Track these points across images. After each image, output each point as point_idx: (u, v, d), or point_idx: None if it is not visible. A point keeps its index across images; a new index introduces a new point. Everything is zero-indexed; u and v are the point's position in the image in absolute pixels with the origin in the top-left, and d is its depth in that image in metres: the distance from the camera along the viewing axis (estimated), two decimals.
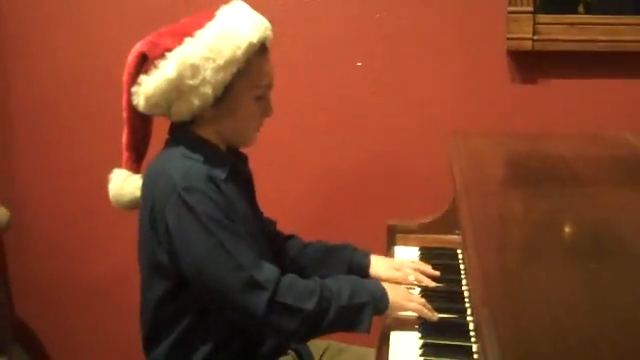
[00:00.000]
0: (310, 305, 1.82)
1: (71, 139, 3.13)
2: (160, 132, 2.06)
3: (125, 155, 2.03)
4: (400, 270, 2.14)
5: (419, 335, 1.88)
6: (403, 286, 2.06)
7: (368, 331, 1.89)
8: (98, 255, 3.22)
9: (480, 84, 2.91)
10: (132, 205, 2.02)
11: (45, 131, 3.14)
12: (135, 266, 2.07)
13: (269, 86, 1.96)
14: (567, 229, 1.83)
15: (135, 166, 2.04)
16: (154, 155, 2.01)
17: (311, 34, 2.96)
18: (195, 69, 1.84)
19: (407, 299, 1.94)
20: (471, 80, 2.92)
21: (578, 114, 2.86)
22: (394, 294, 1.94)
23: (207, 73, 1.84)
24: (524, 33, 2.84)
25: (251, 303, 1.79)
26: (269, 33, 1.94)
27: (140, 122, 1.99)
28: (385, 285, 1.97)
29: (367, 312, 1.88)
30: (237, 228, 1.86)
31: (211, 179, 1.84)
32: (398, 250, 2.41)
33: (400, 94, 2.97)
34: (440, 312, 1.95)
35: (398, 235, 2.48)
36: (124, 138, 2.02)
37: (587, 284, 1.47)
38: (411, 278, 2.11)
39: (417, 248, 2.42)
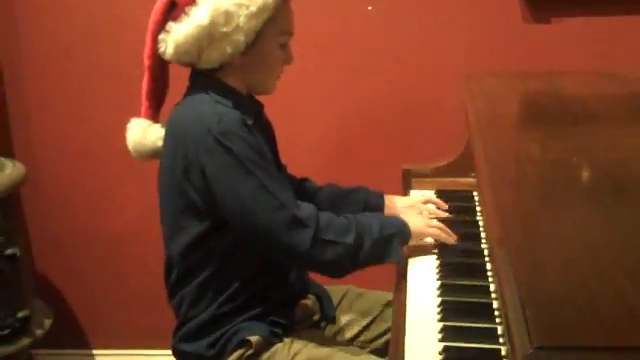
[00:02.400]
0: (349, 239, 1.87)
1: (83, 93, 3.13)
2: (173, 82, 2.06)
3: (145, 104, 2.03)
4: (415, 207, 2.21)
5: (436, 277, 1.90)
6: (416, 210, 2.16)
7: (399, 260, 1.97)
8: (115, 207, 3.24)
9: (492, 25, 2.88)
10: (153, 154, 2.03)
11: (58, 86, 3.13)
12: (151, 217, 2.09)
13: (292, 34, 1.98)
14: (584, 169, 1.82)
15: (155, 115, 2.04)
16: (170, 104, 2.01)
17: None
18: (229, 16, 1.84)
19: (427, 224, 2.04)
20: (483, 21, 2.89)
21: (593, 52, 2.83)
22: (414, 223, 2.02)
23: (240, 20, 1.85)
24: None
25: (296, 241, 1.84)
26: None
27: (161, 70, 1.99)
28: (403, 214, 2.06)
29: (395, 242, 1.95)
30: (273, 169, 1.91)
31: (244, 123, 1.86)
32: (413, 193, 2.43)
33: (411, 38, 2.94)
34: (457, 253, 1.99)
35: (413, 179, 2.49)
36: (144, 86, 2.02)
37: (604, 222, 1.46)
38: (426, 213, 2.19)
39: (433, 191, 2.43)
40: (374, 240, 1.92)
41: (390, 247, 1.94)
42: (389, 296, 2.06)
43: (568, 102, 2.33)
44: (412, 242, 2.02)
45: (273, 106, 2.15)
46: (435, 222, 2.07)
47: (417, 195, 2.34)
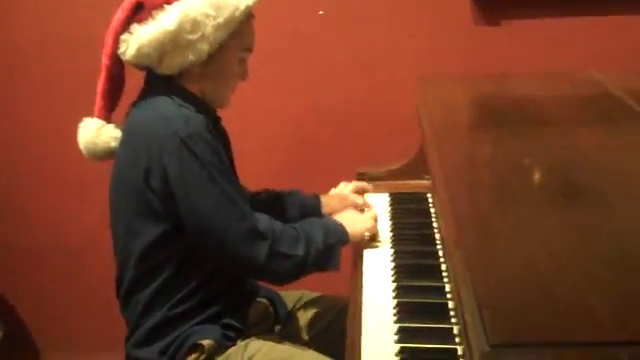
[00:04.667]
0: (300, 251, 1.91)
1: (34, 102, 3.09)
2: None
3: (99, 104, 2.00)
4: (347, 199, 2.30)
5: (392, 279, 1.90)
6: (351, 210, 2.21)
7: (339, 267, 1.99)
8: (68, 218, 3.19)
9: (445, 28, 2.89)
10: (106, 155, 2.01)
11: (8, 95, 3.10)
12: (104, 229, 2.05)
13: (252, 51, 2.01)
14: (538, 170, 1.84)
15: (108, 115, 2.02)
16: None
17: None
18: (196, 24, 1.85)
19: (360, 224, 2.09)
20: (435, 24, 2.90)
21: (543, 53, 2.85)
22: (350, 224, 2.06)
23: (207, 29, 1.86)
24: None
25: (253, 253, 1.86)
26: None
27: (119, 71, 1.97)
28: (339, 218, 2.09)
29: (337, 251, 1.99)
30: (234, 177, 1.93)
31: (208, 128, 1.87)
32: (368, 197, 2.42)
33: (364, 41, 2.94)
34: (412, 255, 2.00)
35: (367, 182, 2.48)
36: (100, 86, 1.99)
37: (560, 222, 1.48)
38: (359, 200, 2.30)
39: (387, 194, 2.44)
40: (319, 250, 1.95)
41: (332, 256, 1.98)
42: (344, 299, 2.03)
43: (520, 104, 2.35)
44: (350, 242, 2.08)
45: (225, 111, 2.12)
46: (366, 215, 2.15)
47: (344, 187, 2.39)
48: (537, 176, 1.81)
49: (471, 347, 1.18)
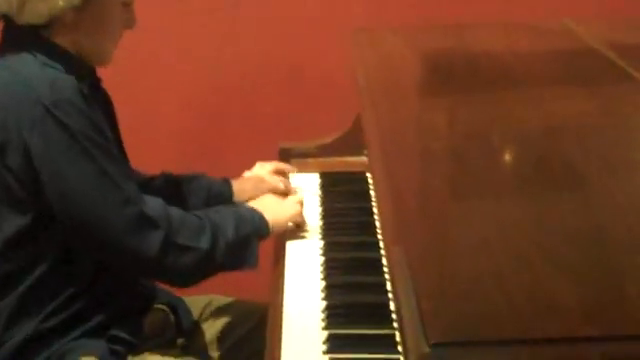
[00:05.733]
0: (204, 243, 1.90)
1: None
2: None
3: None
4: (264, 183, 2.31)
5: (321, 277, 1.92)
6: (270, 195, 2.23)
7: (256, 265, 1.99)
8: None
9: None
10: None
11: None
12: None
13: None
14: (499, 142, 1.85)
15: None
16: None
17: None
18: None
19: (283, 211, 2.12)
20: None
21: (503, 1, 2.90)
22: (270, 212, 2.07)
23: None
24: None
25: (143, 244, 1.85)
26: None
27: None
28: (256, 205, 2.11)
29: (253, 245, 2.00)
30: (116, 153, 1.90)
31: (81, 92, 1.83)
32: (294, 178, 2.42)
33: None
34: (347, 247, 2.02)
35: (293, 160, 2.49)
36: None
37: (522, 205, 1.51)
38: (280, 184, 2.31)
39: (317, 174, 2.45)
40: (230, 243, 1.95)
41: (247, 251, 1.98)
42: (263, 306, 2.06)
43: (479, 60, 2.37)
44: (271, 234, 2.08)
45: (115, 75, 2.09)
46: (290, 202, 2.17)
47: (260, 169, 2.39)
48: (497, 148, 1.83)
49: (408, 349, 1.19)
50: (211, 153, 3.03)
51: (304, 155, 2.50)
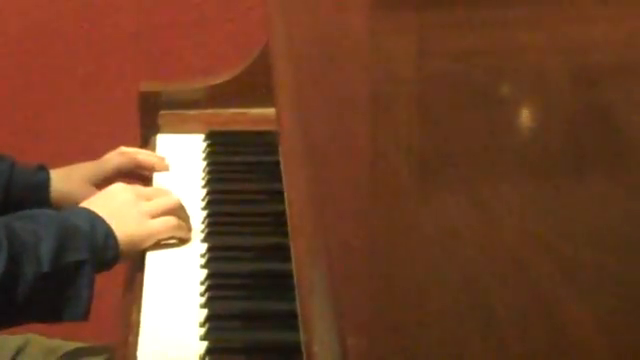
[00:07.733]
0: None
1: None
2: None
3: None
4: (109, 162, 1.88)
5: (202, 303, 1.51)
6: (123, 188, 1.73)
7: (86, 317, 1.57)
8: None
9: None
10: None
11: None
12: None
13: None
14: (465, 79, 1.53)
15: None
16: None
17: None
18: None
19: (142, 221, 1.66)
20: None
21: None
22: (120, 220, 1.63)
23: None
24: None
25: None
26: None
27: None
28: (99, 207, 1.64)
29: (85, 279, 1.55)
30: None
31: None
32: (162, 142, 1.96)
33: None
34: (245, 254, 1.65)
35: (163, 113, 2.02)
36: None
37: (493, 180, 1.27)
38: (141, 159, 1.90)
39: (202, 135, 2.00)
40: (41, 276, 1.54)
41: (72, 289, 1.57)
42: (102, 348, 1.75)
43: None
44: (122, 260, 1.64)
45: None
46: (153, 205, 1.68)
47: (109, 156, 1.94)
48: (492, 98, 1.52)
49: None
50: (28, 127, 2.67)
51: (180, 105, 2.01)
